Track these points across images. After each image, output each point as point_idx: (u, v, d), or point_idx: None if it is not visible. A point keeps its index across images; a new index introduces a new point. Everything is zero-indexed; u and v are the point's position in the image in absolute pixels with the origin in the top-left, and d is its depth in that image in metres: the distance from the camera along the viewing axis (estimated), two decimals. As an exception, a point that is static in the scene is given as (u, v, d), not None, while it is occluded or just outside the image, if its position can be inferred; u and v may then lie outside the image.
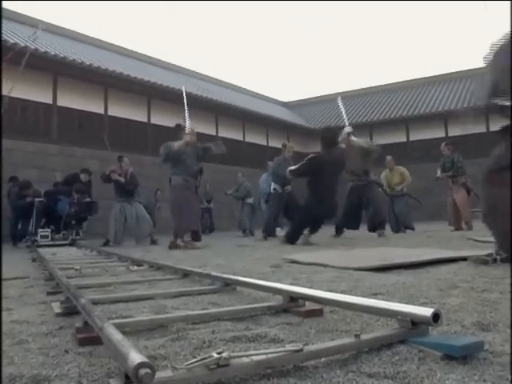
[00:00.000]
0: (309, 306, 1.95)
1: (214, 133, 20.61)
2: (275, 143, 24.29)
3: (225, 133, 21.05)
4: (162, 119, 17.85)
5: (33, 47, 13.57)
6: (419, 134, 22.53)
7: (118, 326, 1.70)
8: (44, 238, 9.70)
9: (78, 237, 10.24)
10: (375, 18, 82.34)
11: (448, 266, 3.46)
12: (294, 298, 2.00)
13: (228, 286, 2.62)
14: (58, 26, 18.87)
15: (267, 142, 23.89)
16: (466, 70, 25.21)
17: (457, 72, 25.89)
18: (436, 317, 1.35)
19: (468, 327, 1.61)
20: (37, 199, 10.35)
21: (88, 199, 10.61)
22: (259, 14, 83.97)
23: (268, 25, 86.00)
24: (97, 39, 20.44)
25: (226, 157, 20.16)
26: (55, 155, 14.34)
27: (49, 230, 9.97)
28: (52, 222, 10.32)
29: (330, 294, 1.85)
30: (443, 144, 10.48)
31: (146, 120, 17.66)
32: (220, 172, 18.82)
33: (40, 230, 9.90)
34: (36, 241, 9.54)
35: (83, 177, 10.94)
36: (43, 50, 13.81)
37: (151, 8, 77.93)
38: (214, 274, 2.82)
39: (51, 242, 9.54)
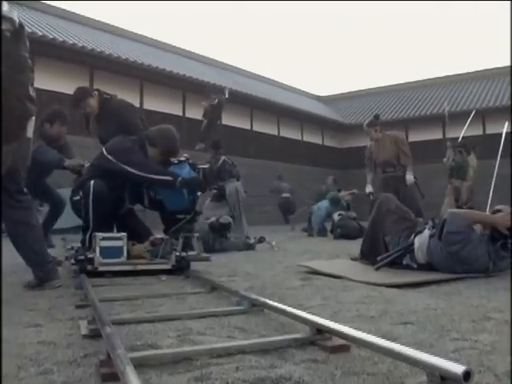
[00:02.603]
0: (336, 339, 1.91)
1: (248, 127, 20.62)
2: (309, 138, 24.23)
3: (259, 127, 21.05)
4: (197, 113, 17.89)
5: (70, 42, 13.78)
6: (456, 131, 22.20)
7: (142, 360, 1.70)
8: (109, 253, 4.15)
9: (192, 253, 4.45)
10: (413, 13, 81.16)
11: (480, 284, 3.37)
12: (320, 331, 1.96)
13: (255, 306, 2.59)
14: (95, 20, 19.04)
15: (302, 137, 23.79)
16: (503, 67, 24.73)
17: (495, 69, 25.37)
18: (467, 375, 1.30)
19: (501, 378, 1.55)
20: (87, 163, 5.15)
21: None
22: (296, 6, 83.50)
23: (306, 18, 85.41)
24: (134, 33, 20.55)
25: (261, 151, 20.25)
26: (90, 148, 14.47)
27: (123, 235, 4.29)
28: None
29: (358, 332, 1.80)
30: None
31: (181, 114, 17.74)
32: (256, 167, 18.82)
33: (99, 235, 4.18)
34: (88, 259, 4.06)
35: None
36: (80, 45, 13.96)
37: (189, 2, 78.20)
38: (242, 293, 2.79)
39: (130, 266, 4.19)
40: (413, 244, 4.01)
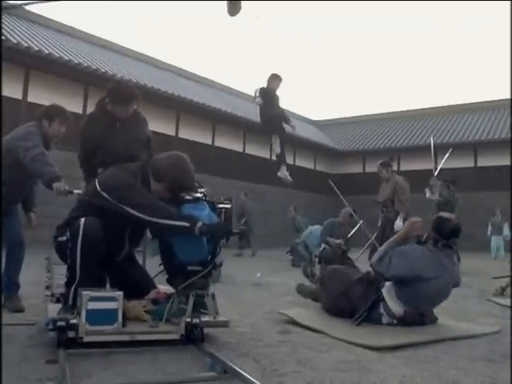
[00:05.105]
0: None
1: (240, 149, 20.68)
2: (301, 162, 24.28)
3: (252, 150, 21.11)
4: (190, 133, 18.00)
5: (66, 58, 13.80)
6: (447, 163, 22.35)
7: None
8: (98, 318, 3.06)
9: (206, 318, 3.36)
10: (412, 43, 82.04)
11: (459, 349, 3.35)
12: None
13: (227, 373, 2.57)
14: (91, 35, 19.10)
15: (294, 161, 23.83)
16: (500, 100, 24.92)
17: (491, 101, 25.59)
18: None
19: None
20: (76, 191, 3.99)
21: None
22: (293, 29, 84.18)
23: (304, 41, 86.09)
24: (129, 49, 20.60)
25: (252, 174, 20.27)
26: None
27: (119, 295, 3.15)
28: None
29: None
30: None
31: (173, 134, 17.77)
32: (246, 190, 18.85)
33: (86, 294, 3.04)
34: (70, 326, 3.00)
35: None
36: (76, 62, 13.99)
37: (184, 22, 78.86)
38: (216, 355, 2.77)
39: (125, 336, 3.13)
40: (381, 293, 4.10)
